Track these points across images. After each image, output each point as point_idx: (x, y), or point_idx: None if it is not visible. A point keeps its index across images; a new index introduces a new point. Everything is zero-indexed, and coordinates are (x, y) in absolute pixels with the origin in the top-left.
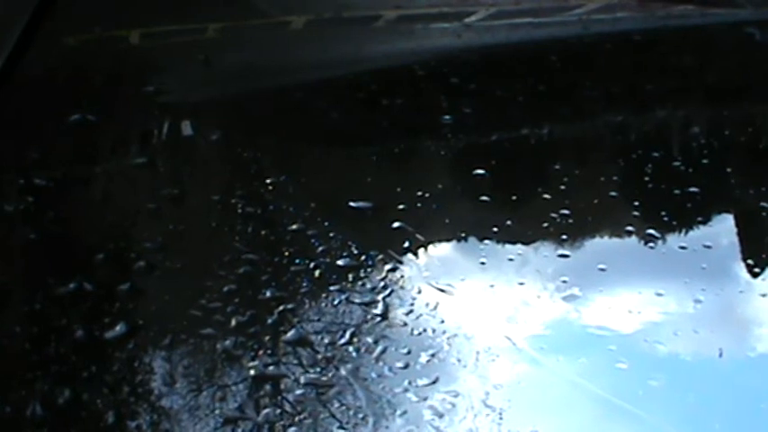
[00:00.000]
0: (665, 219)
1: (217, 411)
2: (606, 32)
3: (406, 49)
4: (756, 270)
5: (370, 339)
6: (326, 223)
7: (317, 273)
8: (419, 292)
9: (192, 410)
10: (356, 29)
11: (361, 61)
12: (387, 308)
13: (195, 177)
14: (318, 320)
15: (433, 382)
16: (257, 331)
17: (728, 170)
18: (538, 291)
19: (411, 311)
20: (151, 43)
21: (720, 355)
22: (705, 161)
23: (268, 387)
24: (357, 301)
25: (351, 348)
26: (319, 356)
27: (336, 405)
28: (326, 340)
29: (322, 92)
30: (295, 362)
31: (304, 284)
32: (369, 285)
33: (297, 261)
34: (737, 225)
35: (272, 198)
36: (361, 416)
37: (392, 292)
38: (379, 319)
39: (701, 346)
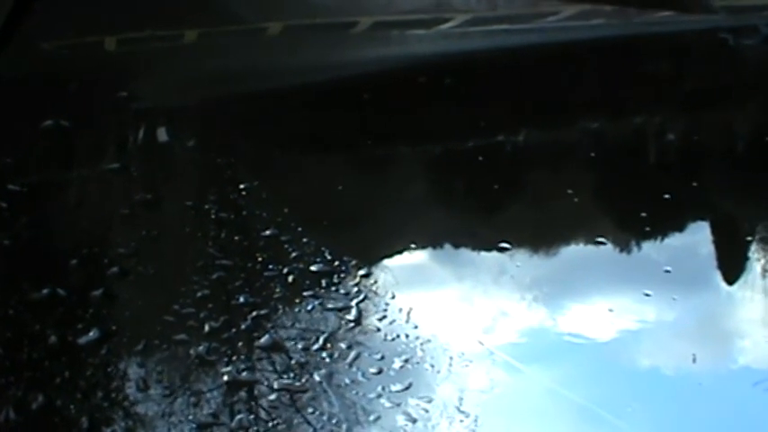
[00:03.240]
0: (643, 226)
1: (190, 417)
2: (582, 39)
3: (383, 55)
4: (733, 278)
5: (343, 345)
6: (300, 229)
7: (290, 278)
8: (393, 297)
9: (166, 416)
10: (333, 35)
11: (338, 68)
12: (360, 314)
13: (169, 183)
14: (292, 326)
15: (407, 388)
16: (231, 337)
17: (705, 177)
18: (513, 298)
19: (384, 317)
20: (127, 49)
21: (694, 360)
22: (681, 168)
23: (242, 393)
24: (331, 306)
25: (324, 354)
26: (293, 362)
27: (310, 410)
28: (300, 346)
29: (298, 98)
30: (269, 367)
31: (277, 290)
32: (342, 291)
33: (270, 267)
34: (714, 233)
35: (245, 203)
36: (334, 421)
37: (366, 297)
38: (352, 324)
39: (678, 355)
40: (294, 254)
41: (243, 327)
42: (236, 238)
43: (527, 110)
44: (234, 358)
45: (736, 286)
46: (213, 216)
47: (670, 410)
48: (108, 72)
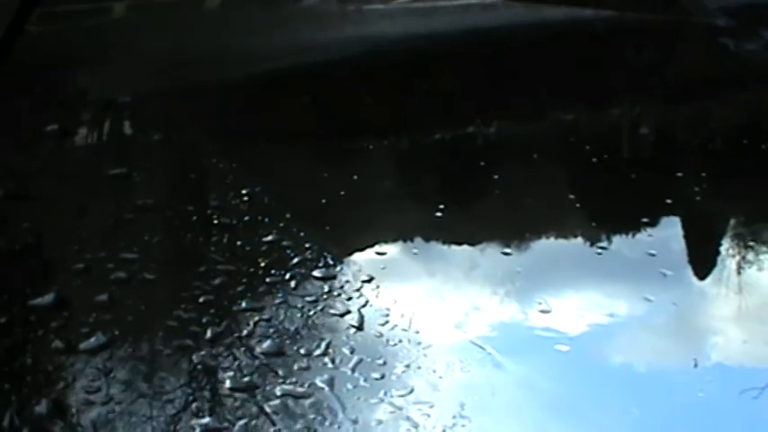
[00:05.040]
0: (614, 221)
1: (193, 422)
2: (558, 19)
3: (344, 36)
4: (703, 274)
5: (345, 350)
6: (302, 234)
7: (292, 283)
8: (395, 302)
9: (168, 421)
10: (277, 9)
11: (295, 52)
12: (362, 318)
13: (168, 187)
14: (294, 331)
15: (409, 393)
16: (233, 342)
17: (678, 173)
18: (489, 295)
19: (386, 322)
20: (52, 26)
21: (695, 365)
22: (656, 163)
23: (244, 398)
24: (332, 311)
25: (326, 359)
26: (295, 367)
27: (312, 416)
28: (302, 351)
29: (256, 87)
30: (271, 373)
31: (279, 295)
32: (344, 296)
33: (272, 272)
34: (685, 229)
35: (246, 208)
36: (337, 427)
37: (367, 302)
38: (354, 329)
39: (648, 349)
40: (296, 259)
41: (245, 332)
42: (239, 243)
43: (502, 98)
44: (236, 363)
45: (707, 282)
46: (216, 221)
47: (643, 402)
48: (33, 54)
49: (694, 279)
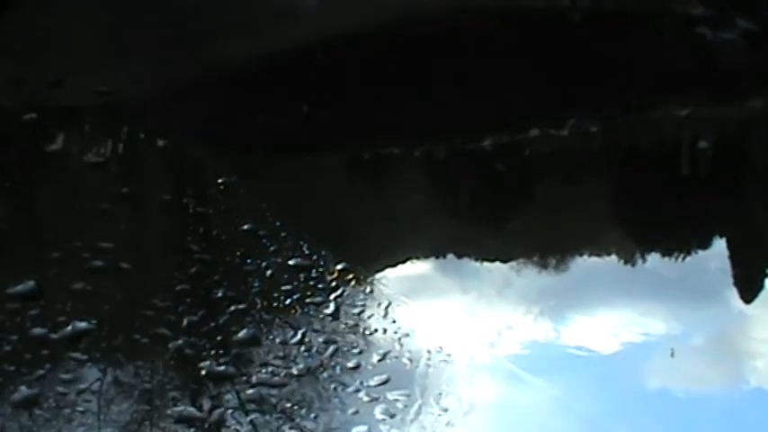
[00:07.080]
0: (652, 239)
1: (169, 411)
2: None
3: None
4: (747, 296)
5: (321, 339)
6: (278, 223)
7: (268, 273)
8: (370, 292)
9: (145, 409)
10: None
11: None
12: (338, 308)
13: (148, 177)
14: (270, 320)
15: (385, 382)
16: (209, 331)
17: (721, 190)
18: (515, 307)
19: (362, 311)
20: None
21: (672, 354)
22: (696, 179)
23: (220, 387)
24: (309, 301)
25: (303, 348)
26: (271, 356)
27: (288, 404)
28: (278, 340)
29: (262, 82)
30: (247, 361)
31: (256, 284)
32: (320, 285)
33: (249, 261)
34: (729, 249)
35: (223, 198)
36: (313, 416)
37: (344, 292)
38: (330, 318)
39: (682, 369)
40: (272, 248)
41: (221, 321)
42: (215, 232)
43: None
44: (212, 352)
45: (752, 306)
46: (191, 210)
47: (672, 424)
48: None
49: (733, 300)
